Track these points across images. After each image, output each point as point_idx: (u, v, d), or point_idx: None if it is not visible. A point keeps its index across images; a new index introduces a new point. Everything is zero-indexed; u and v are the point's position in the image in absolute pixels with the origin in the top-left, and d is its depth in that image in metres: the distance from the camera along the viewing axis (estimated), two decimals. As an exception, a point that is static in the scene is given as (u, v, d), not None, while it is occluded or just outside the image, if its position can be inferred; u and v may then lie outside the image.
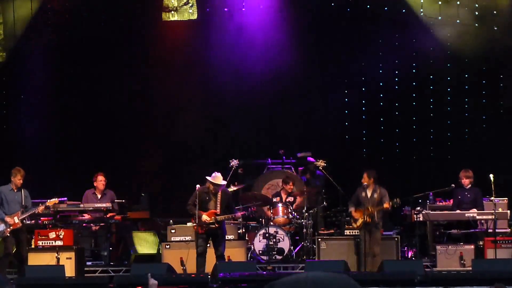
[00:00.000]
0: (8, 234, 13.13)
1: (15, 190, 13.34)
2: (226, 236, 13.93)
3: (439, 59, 17.37)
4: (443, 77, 17.54)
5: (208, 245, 12.98)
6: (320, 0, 17.71)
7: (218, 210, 12.74)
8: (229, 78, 17.78)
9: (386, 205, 13.23)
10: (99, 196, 14.97)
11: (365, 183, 13.38)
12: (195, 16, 17.59)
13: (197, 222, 12.66)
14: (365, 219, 13.23)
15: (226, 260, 13.31)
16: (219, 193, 12.84)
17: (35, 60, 17.68)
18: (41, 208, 13.36)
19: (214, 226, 12.65)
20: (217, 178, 12.86)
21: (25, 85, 17.87)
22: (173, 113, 17.92)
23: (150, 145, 17.87)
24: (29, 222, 13.87)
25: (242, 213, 13.22)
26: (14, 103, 17.94)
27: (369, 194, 13.40)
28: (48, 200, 13.49)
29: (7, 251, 13.28)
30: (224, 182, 13.01)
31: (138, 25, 17.67)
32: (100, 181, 14.95)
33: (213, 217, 12.64)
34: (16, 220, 13.14)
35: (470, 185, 14.09)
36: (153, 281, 9.03)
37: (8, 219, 13.09)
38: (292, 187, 15.20)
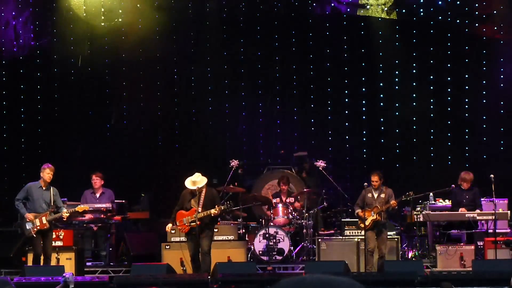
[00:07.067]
0: (35, 235, 12.65)
1: (44, 188, 12.85)
2: (226, 237, 13.90)
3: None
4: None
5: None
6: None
7: (200, 208, 12.57)
8: (229, 79, 17.80)
9: (393, 202, 13.13)
10: (97, 195, 14.96)
11: (375, 185, 13.28)
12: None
13: (178, 223, 12.65)
14: (375, 217, 13.12)
15: (226, 260, 13.30)
16: (203, 191, 12.70)
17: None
18: (66, 215, 12.89)
19: (194, 224, 12.52)
20: (194, 176, 12.74)
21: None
22: (174, 113, 17.92)
23: (150, 145, 17.87)
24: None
25: (218, 208, 12.90)
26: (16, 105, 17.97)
27: (375, 195, 13.33)
28: (79, 206, 13.21)
29: (36, 253, 12.81)
30: (199, 177, 12.71)
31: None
32: (94, 180, 14.93)
33: (194, 215, 12.55)
34: (44, 221, 12.68)
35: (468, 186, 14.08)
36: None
37: (36, 220, 12.61)
38: (286, 187, 15.13)
